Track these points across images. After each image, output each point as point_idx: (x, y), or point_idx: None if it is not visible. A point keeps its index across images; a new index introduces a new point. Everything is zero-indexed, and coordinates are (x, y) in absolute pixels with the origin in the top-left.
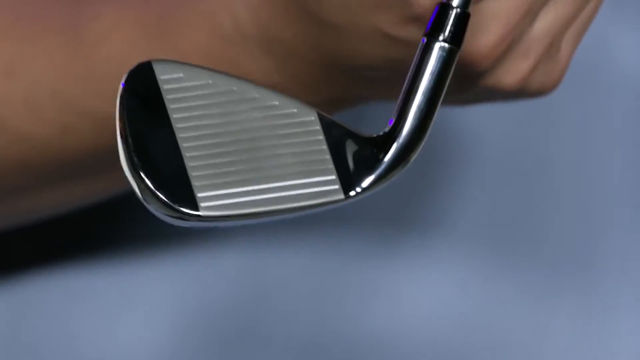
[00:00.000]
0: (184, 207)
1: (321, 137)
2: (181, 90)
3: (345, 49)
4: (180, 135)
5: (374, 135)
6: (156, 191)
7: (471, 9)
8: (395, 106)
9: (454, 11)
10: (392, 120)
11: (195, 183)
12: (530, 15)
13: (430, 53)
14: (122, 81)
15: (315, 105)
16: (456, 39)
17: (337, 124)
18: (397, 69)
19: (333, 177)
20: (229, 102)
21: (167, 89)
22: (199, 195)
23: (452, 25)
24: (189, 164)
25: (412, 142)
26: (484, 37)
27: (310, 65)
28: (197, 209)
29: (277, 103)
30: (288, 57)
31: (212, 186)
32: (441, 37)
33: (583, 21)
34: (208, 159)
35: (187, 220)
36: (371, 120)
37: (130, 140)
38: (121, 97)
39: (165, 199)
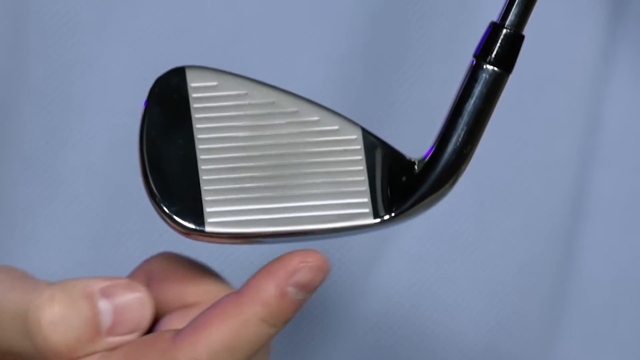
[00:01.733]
0: (187, 221)
1: (360, 157)
2: (211, 100)
3: None
4: (199, 146)
5: (417, 159)
6: (160, 200)
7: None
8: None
9: (504, 31)
10: (434, 145)
11: (206, 197)
12: None
13: (476, 75)
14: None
15: None
16: (505, 62)
17: (381, 143)
18: None
19: (365, 199)
20: (263, 115)
21: (195, 97)
22: (208, 210)
23: (500, 47)
24: (203, 177)
25: (453, 167)
26: None
27: None
28: (202, 225)
29: (317, 118)
30: None
31: (224, 202)
32: (488, 59)
33: None
34: (226, 173)
35: (191, 235)
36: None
37: (145, 146)
38: (147, 99)
39: (166, 210)
